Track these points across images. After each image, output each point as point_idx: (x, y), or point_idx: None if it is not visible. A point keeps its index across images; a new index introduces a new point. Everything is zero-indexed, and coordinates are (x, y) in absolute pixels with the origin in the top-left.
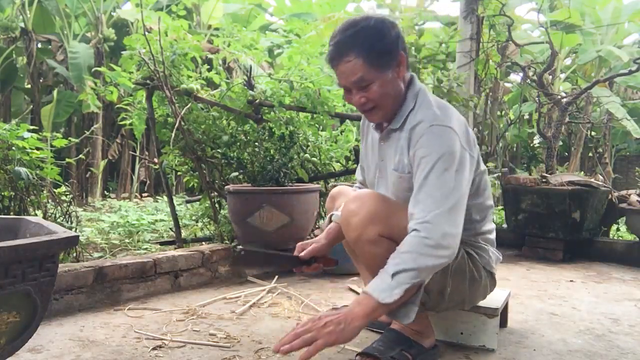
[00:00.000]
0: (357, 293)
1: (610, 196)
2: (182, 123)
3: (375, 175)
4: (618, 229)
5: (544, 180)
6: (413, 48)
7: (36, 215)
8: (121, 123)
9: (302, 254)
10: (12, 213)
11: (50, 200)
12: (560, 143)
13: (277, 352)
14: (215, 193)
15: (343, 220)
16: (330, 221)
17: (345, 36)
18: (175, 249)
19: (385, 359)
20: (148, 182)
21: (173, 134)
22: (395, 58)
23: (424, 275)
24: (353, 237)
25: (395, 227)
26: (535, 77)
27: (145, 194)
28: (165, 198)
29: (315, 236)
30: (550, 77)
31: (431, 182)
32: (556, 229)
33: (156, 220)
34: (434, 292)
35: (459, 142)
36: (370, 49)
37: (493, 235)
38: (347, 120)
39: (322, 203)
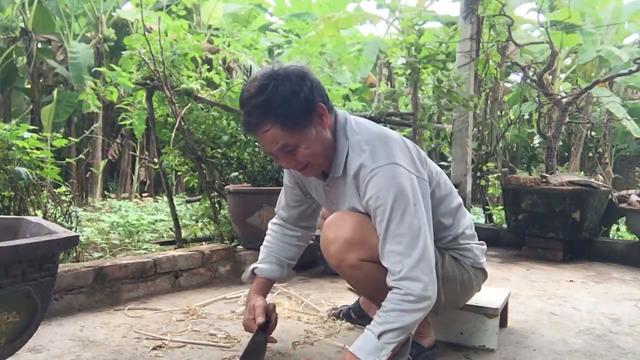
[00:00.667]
0: (357, 293)
1: (610, 196)
2: (182, 123)
3: (329, 211)
4: (618, 229)
5: (544, 180)
6: (413, 48)
7: (36, 215)
8: (121, 123)
9: (259, 319)
10: (12, 213)
11: (50, 200)
12: (560, 143)
13: None
14: (215, 193)
15: (322, 248)
16: (254, 274)
17: (255, 106)
18: (175, 249)
19: None
20: (148, 182)
21: (173, 134)
22: (314, 113)
23: (410, 330)
24: (334, 264)
25: (375, 249)
26: (535, 77)
27: (145, 194)
28: (165, 198)
29: (313, 235)
30: (550, 77)
31: (393, 231)
32: (556, 229)
33: (156, 220)
34: None
35: (406, 172)
36: (285, 115)
37: (472, 230)
38: None
39: None
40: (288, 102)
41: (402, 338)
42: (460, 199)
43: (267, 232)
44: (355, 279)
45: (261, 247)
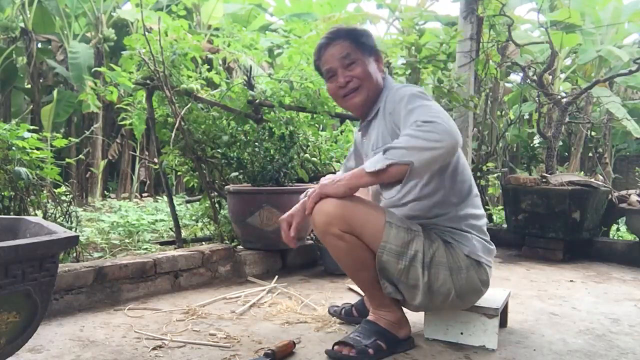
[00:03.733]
0: (357, 293)
1: (610, 196)
2: (182, 123)
3: None
4: (618, 229)
5: (544, 180)
6: (413, 48)
7: (36, 215)
8: (121, 123)
9: (292, 232)
10: (12, 213)
11: (50, 200)
12: (560, 143)
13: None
14: (215, 193)
15: (312, 221)
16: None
17: (337, 30)
18: (175, 249)
19: (360, 348)
20: (148, 182)
21: (173, 134)
22: (376, 53)
23: (413, 156)
24: (320, 233)
25: (354, 225)
26: (535, 77)
27: (145, 194)
28: (165, 198)
29: (313, 235)
30: (550, 77)
31: (413, 110)
32: (556, 229)
33: (156, 220)
34: (410, 287)
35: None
36: (356, 36)
37: (481, 222)
38: (347, 120)
39: None
40: (361, 32)
41: (402, 160)
42: (473, 189)
43: None
44: (335, 249)
45: None
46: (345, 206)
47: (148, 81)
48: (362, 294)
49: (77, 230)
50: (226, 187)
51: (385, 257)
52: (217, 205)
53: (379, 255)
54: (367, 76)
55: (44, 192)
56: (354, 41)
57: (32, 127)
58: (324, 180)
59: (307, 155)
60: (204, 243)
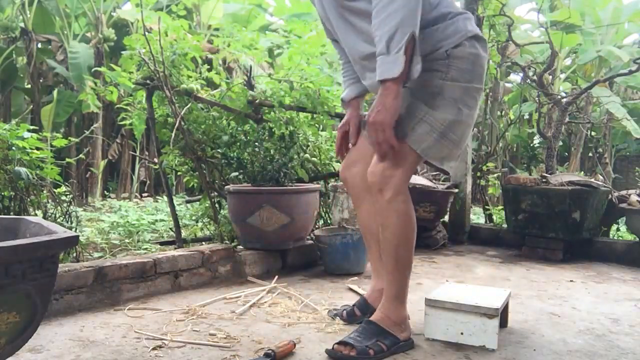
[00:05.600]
0: (357, 293)
1: (610, 196)
2: (182, 123)
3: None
4: (618, 229)
5: (544, 180)
6: None
7: (36, 215)
8: (121, 123)
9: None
10: (12, 213)
11: (50, 200)
12: (560, 143)
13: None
14: (215, 193)
15: (373, 195)
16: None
17: None
18: (175, 249)
19: (360, 348)
20: (148, 182)
21: (173, 134)
22: None
23: (407, 25)
24: (388, 200)
25: (406, 168)
26: (535, 77)
27: (145, 194)
28: (165, 198)
29: (313, 235)
30: (550, 77)
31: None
32: (556, 229)
33: (156, 220)
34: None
35: None
36: None
37: (449, 30)
38: None
39: (322, 203)
40: None
41: (405, 38)
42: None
43: (340, 69)
44: (405, 213)
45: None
46: (393, 172)
47: (148, 81)
48: (362, 293)
49: (77, 230)
50: (226, 187)
51: (435, 151)
52: (217, 205)
53: (431, 160)
54: None
55: (44, 192)
56: None
57: (32, 127)
58: (374, 115)
59: (307, 155)
60: (204, 243)
